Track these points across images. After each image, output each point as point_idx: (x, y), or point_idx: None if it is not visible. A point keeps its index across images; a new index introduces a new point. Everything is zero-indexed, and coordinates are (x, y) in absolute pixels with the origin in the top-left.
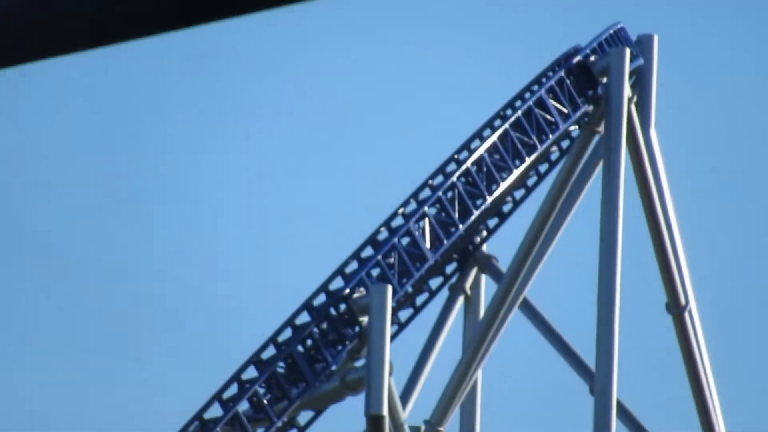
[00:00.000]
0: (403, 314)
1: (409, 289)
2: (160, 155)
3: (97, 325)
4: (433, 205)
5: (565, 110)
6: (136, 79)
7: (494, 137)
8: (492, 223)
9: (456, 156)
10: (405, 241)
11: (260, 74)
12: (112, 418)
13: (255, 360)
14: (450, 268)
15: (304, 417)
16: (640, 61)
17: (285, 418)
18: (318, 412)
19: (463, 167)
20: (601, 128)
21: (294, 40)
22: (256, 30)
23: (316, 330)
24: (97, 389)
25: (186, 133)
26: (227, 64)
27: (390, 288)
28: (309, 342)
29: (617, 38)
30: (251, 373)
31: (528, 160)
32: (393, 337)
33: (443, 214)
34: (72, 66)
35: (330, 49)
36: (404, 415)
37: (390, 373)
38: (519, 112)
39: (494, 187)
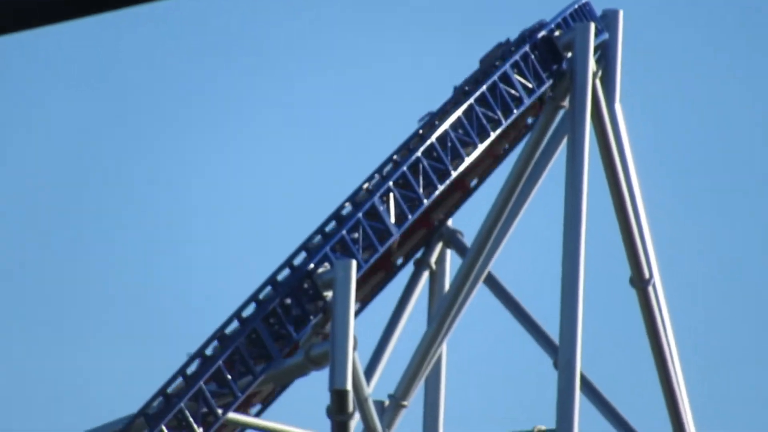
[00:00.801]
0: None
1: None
2: (131, 138)
3: (62, 299)
4: (397, 180)
5: (530, 85)
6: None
7: (459, 112)
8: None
9: (421, 131)
10: (369, 216)
11: (227, 59)
12: (77, 393)
13: (219, 335)
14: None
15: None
16: (605, 36)
17: (249, 393)
18: (282, 387)
19: (428, 142)
20: (566, 103)
21: (265, 24)
22: (206, 18)
23: (279, 305)
24: (61, 365)
25: (147, 115)
26: (200, 54)
27: (354, 263)
28: (273, 317)
29: (582, 13)
30: (215, 347)
31: (493, 135)
32: (357, 311)
33: (408, 190)
34: (61, 50)
35: (293, 31)
36: (368, 389)
37: (354, 348)
38: (484, 87)
39: (459, 162)
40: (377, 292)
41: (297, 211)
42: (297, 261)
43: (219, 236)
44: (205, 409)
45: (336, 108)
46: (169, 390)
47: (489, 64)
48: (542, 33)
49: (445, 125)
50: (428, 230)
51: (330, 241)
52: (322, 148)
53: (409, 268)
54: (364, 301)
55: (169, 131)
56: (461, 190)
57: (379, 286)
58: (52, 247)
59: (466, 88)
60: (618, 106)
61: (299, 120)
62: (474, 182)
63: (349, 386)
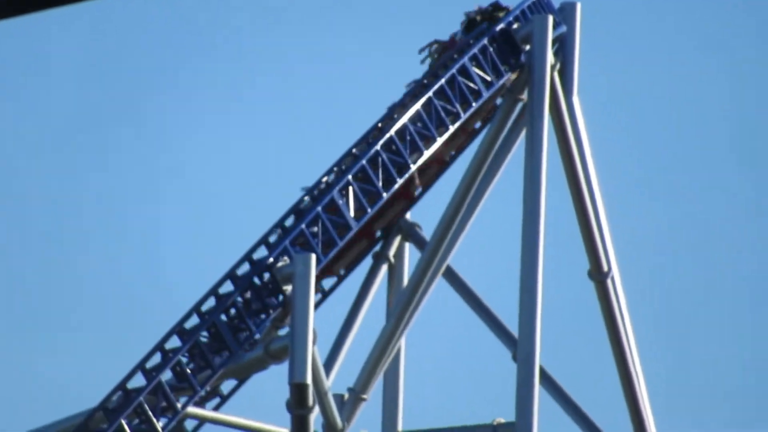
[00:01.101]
0: (327, 282)
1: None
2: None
3: (17, 294)
4: (356, 173)
5: (489, 78)
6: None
7: (417, 105)
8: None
9: (379, 125)
10: (329, 209)
11: (195, 50)
12: (35, 388)
13: (178, 329)
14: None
15: (227, 386)
16: (563, 29)
17: (208, 387)
18: (241, 381)
19: (387, 136)
20: (524, 96)
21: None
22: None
23: (239, 299)
24: (19, 359)
25: (118, 100)
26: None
27: (313, 256)
28: (232, 311)
29: (540, 5)
30: (174, 342)
31: (452, 128)
32: (317, 305)
33: (367, 183)
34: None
35: (256, 24)
36: (328, 383)
37: (313, 342)
38: (442, 80)
39: (418, 155)
40: (360, 260)
41: (258, 204)
42: (256, 255)
43: (176, 230)
44: (164, 404)
45: (300, 101)
46: (128, 384)
47: (467, 26)
48: (500, 25)
49: (404, 118)
50: (408, 201)
51: (289, 235)
52: (285, 140)
53: (368, 262)
54: (348, 269)
55: (139, 117)
56: (438, 164)
57: (362, 255)
58: (20, 240)
59: (425, 81)
60: (576, 99)
61: (265, 112)
62: (450, 155)
63: (309, 380)
